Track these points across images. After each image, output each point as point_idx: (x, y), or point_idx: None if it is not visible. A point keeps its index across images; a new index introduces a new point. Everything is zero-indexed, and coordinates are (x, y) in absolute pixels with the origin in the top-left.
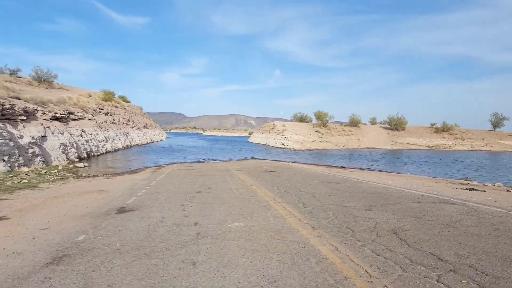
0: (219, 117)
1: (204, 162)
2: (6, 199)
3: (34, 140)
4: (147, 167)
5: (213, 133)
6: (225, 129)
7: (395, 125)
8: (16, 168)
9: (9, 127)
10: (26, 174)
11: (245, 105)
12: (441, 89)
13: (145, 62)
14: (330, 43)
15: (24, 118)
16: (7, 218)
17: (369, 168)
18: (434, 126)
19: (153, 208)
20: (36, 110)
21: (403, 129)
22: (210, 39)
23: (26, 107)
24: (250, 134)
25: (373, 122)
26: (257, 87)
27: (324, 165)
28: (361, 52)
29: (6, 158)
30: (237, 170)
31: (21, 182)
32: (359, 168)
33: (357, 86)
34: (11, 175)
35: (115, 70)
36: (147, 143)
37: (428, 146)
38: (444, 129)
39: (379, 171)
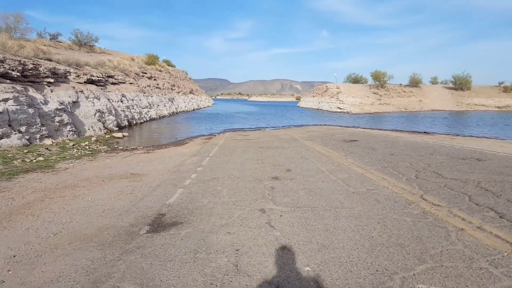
0: (264, 82)
1: (260, 129)
2: None
3: (62, 107)
4: (195, 137)
5: (259, 98)
6: (271, 95)
7: (460, 84)
8: (37, 141)
9: (31, 91)
10: (47, 148)
11: (290, 69)
12: (505, 46)
13: (190, 27)
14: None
15: (52, 80)
16: None
17: (470, 135)
18: (502, 85)
19: (213, 217)
20: (69, 72)
21: (468, 89)
22: (255, 0)
23: (55, 68)
24: (297, 99)
25: (434, 82)
26: (303, 49)
27: (402, 131)
28: (415, 9)
29: (23, 128)
30: (306, 139)
31: (34, 161)
32: (448, 134)
33: (411, 46)
34: (27, 151)
35: (160, 36)
36: (193, 110)
37: (498, 107)
38: None
39: (484, 137)
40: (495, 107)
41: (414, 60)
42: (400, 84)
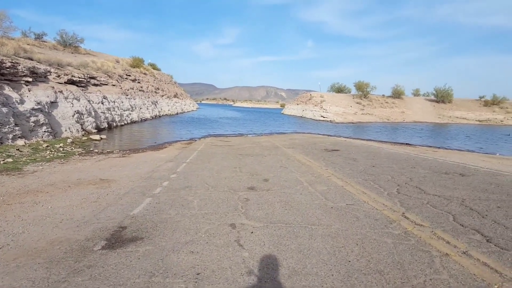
0: (249, 88)
1: (242, 135)
2: None
3: (39, 107)
4: (175, 141)
5: (244, 104)
6: (256, 101)
7: (442, 97)
8: (10, 141)
9: (7, 90)
10: (18, 149)
11: (276, 77)
12: (485, 61)
13: (178, 32)
14: (366, 12)
15: (30, 80)
16: None
17: (447, 147)
18: (483, 99)
19: (178, 232)
20: (49, 72)
21: (450, 101)
22: (244, 8)
23: (34, 67)
24: (282, 106)
25: (416, 94)
26: (289, 58)
27: (385, 141)
28: (397, 23)
29: None
30: (288, 147)
31: (2, 162)
32: (431, 146)
33: (393, 58)
34: None
35: (148, 40)
36: (177, 113)
37: (479, 121)
38: (494, 102)
39: (459, 150)
40: (475, 120)
41: (397, 71)
42: (383, 95)
